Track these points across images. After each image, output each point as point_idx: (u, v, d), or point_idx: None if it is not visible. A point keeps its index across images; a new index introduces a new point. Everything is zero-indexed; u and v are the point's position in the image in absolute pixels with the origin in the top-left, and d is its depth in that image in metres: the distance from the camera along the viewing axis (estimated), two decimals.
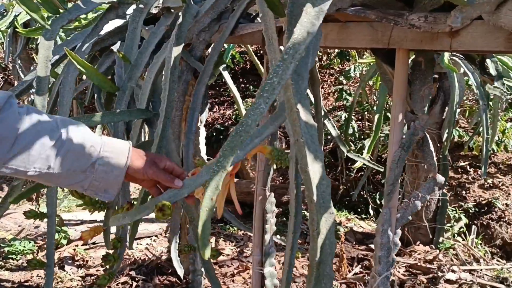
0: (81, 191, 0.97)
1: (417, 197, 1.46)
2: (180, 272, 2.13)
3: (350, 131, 4.02)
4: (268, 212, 1.85)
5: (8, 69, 7.13)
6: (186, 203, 1.40)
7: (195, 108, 1.57)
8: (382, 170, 3.32)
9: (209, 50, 1.90)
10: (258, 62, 2.72)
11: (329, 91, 5.67)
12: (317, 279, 0.80)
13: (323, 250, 0.80)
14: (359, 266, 3.07)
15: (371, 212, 4.43)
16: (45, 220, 1.67)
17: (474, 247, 3.58)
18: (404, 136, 1.39)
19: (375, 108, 4.12)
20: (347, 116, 3.97)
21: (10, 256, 2.77)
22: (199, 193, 1.17)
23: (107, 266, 1.62)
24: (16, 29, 4.43)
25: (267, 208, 1.84)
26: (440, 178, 1.43)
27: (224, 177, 0.77)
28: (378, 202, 4.44)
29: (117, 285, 2.32)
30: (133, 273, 2.45)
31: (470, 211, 4.28)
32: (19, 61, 5.03)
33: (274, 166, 1.28)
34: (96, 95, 2.16)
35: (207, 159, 2.19)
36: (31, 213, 1.78)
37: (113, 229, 1.74)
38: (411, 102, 1.42)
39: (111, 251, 1.61)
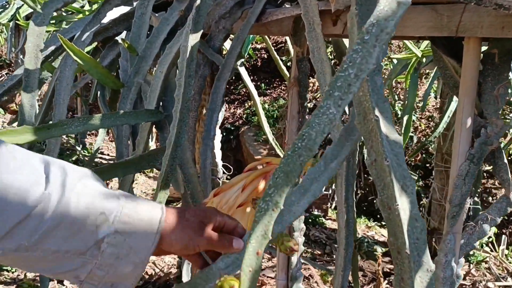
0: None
1: (486, 219, 1.19)
2: None
3: None
4: (296, 230, 1.59)
5: (12, 64, 6.93)
6: None
7: (215, 109, 1.31)
8: (416, 178, 3.05)
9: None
10: (278, 57, 2.46)
11: None
12: None
13: None
14: (386, 281, 2.81)
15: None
16: None
17: (506, 259, 3.32)
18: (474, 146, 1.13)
19: (396, 107, 3.86)
20: None
21: (4, 268, 2.53)
22: (233, 208, 0.93)
23: None
24: (18, 22, 4.21)
25: (295, 225, 1.59)
26: None
27: (274, 216, 0.52)
28: None
29: None
30: None
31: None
32: (21, 56, 4.81)
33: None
34: (99, 92, 1.92)
35: (222, 165, 1.94)
36: None
37: None
38: (481, 103, 1.16)
39: None
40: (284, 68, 2.50)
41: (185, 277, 1.75)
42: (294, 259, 1.61)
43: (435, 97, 3.10)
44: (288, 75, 2.58)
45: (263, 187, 0.95)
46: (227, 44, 2.13)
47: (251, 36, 2.95)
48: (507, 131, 3.59)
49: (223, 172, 1.95)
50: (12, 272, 2.53)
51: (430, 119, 4.72)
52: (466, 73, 1.12)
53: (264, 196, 0.52)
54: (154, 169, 4.45)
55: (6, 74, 7.09)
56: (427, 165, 4.37)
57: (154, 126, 1.23)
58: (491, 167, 1.20)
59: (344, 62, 0.53)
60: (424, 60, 2.27)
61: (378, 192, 0.59)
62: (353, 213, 0.92)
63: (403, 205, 0.55)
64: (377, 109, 0.61)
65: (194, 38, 1.10)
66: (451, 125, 2.87)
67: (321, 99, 1.07)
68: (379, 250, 3.00)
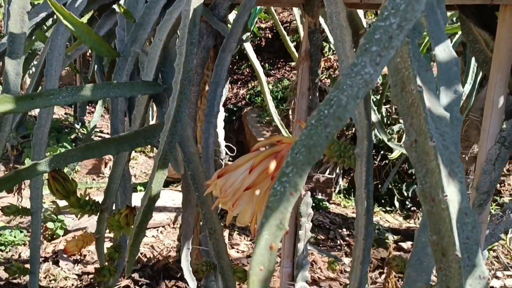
0: None
1: None
2: (193, 285, 1.81)
3: (379, 116, 3.64)
4: (303, 216, 1.50)
5: None
6: (202, 200, 1.05)
7: (218, 83, 1.20)
8: None
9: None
10: (285, 33, 2.33)
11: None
12: None
13: None
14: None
15: (396, 204, 4.07)
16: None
17: None
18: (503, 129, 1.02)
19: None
20: (378, 98, 3.57)
21: None
22: (229, 200, 0.82)
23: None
24: None
25: (302, 210, 1.49)
26: None
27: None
28: (405, 194, 4.08)
29: None
30: (136, 275, 2.12)
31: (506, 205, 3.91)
32: None
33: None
34: (96, 65, 1.80)
35: (225, 146, 1.83)
36: (10, 209, 1.45)
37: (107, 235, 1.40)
38: None
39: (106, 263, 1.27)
40: (291, 44, 2.37)
41: (184, 261, 1.66)
42: (301, 245, 1.52)
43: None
44: (295, 53, 2.46)
45: (274, 168, 0.84)
46: (231, 18, 2.00)
47: (257, 8, 2.80)
48: None
49: (226, 153, 1.84)
50: (6, 252, 2.45)
51: None
52: (500, 46, 1.00)
53: (280, 176, 0.41)
54: (155, 149, 4.35)
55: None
56: None
57: (152, 100, 1.12)
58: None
59: (384, 9, 0.42)
60: None
61: (419, 180, 0.48)
62: (372, 200, 0.82)
63: (451, 196, 0.44)
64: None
65: (197, 1, 0.99)
66: (462, 109, 2.75)
67: (338, 74, 0.96)
68: (391, 238, 2.91)
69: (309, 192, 1.51)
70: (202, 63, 1.31)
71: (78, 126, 4.74)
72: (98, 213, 1.13)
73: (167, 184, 3.91)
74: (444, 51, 0.70)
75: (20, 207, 1.46)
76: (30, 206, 1.39)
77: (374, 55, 0.41)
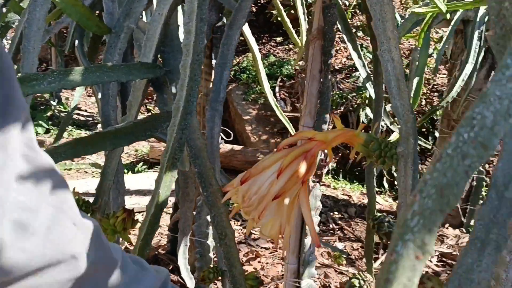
0: None
1: None
2: (191, 284, 1.68)
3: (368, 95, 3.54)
4: (311, 209, 1.38)
5: None
6: (211, 201, 0.91)
7: (225, 65, 1.06)
8: (430, 146, 2.86)
9: None
10: (281, 8, 2.17)
11: (342, 47, 5.13)
12: None
13: None
14: (385, 253, 2.67)
15: (386, 185, 4.01)
16: None
17: None
18: None
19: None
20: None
21: None
22: (254, 209, 0.71)
23: None
24: None
25: (311, 203, 1.37)
26: None
27: (420, 269, 0.29)
28: (394, 174, 4.02)
29: None
30: None
31: None
32: None
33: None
34: (76, 40, 1.62)
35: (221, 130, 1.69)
36: None
37: None
38: None
39: None
40: (287, 20, 2.22)
41: (182, 259, 1.54)
42: (308, 241, 1.41)
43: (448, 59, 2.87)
44: (291, 29, 2.30)
45: (305, 171, 0.71)
46: None
47: None
48: None
49: (222, 138, 1.71)
50: None
51: (428, 83, 4.52)
52: None
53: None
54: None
55: None
56: (423, 129, 4.20)
57: (151, 84, 0.97)
58: None
59: None
60: (448, 16, 2.02)
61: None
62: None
63: None
64: None
65: None
66: (463, 90, 2.66)
67: (380, 56, 0.82)
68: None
69: (318, 184, 1.39)
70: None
71: (54, 103, 4.51)
72: (89, 214, 0.99)
73: (151, 165, 3.76)
74: None
75: None
76: None
77: None
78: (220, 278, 1.13)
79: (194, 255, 1.76)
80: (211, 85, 1.42)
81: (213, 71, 1.28)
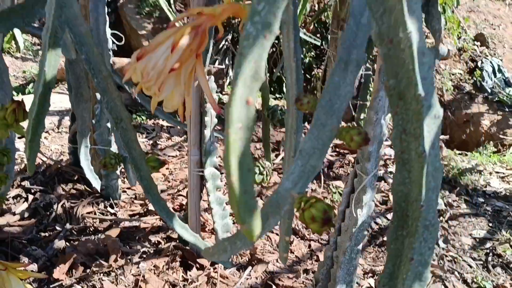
0: None
1: None
2: (97, 184, 1.69)
3: None
4: (208, 102, 1.44)
5: None
6: (103, 87, 0.92)
7: None
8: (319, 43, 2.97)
9: None
10: None
11: None
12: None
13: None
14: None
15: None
16: None
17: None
18: None
19: None
20: None
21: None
22: (153, 84, 0.74)
23: None
24: None
25: (206, 97, 1.43)
26: (443, 50, 1.11)
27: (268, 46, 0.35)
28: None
29: (6, 200, 1.81)
30: (26, 183, 1.94)
31: None
32: None
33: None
34: None
35: (112, 34, 1.64)
36: None
37: None
38: None
39: None
40: None
41: (84, 161, 1.54)
42: (207, 132, 1.49)
43: None
44: None
45: (197, 43, 0.75)
46: None
47: None
48: None
49: (113, 42, 1.66)
50: None
51: None
52: None
53: (251, 15, 0.34)
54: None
55: None
56: (317, 34, 4.36)
57: None
58: (423, 16, 1.13)
59: None
60: None
61: (375, 21, 0.44)
62: (301, 69, 0.78)
63: (413, 33, 0.41)
64: None
65: None
66: None
67: None
68: None
69: (212, 77, 1.44)
70: None
71: None
72: None
73: None
74: None
75: None
76: None
77: None
78: (122, 164, 1.17)
79: (99, 165, 1.78)
80: None
81: None
